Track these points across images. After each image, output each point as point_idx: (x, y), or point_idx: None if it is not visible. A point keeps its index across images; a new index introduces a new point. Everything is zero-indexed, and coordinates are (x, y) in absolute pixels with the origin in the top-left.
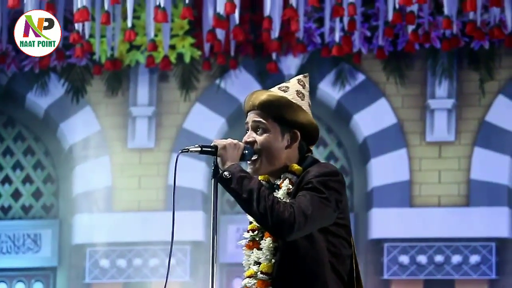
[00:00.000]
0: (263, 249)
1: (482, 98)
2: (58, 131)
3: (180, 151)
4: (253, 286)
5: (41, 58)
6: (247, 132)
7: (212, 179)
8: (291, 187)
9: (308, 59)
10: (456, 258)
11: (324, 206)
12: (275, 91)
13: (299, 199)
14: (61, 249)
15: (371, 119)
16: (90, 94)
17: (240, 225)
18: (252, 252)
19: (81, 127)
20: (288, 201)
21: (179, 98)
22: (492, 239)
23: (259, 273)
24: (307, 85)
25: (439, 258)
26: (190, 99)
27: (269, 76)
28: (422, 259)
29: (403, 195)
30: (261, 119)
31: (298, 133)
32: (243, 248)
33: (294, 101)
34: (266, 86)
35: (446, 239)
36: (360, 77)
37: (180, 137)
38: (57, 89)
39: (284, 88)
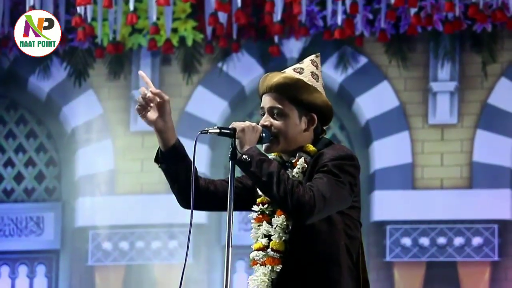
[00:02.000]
0: (275, 226)
1: (484, 80)
2: (60, 114)
3: (199, 132)
4: (262, 260)
5: None
6: (262, 116)
7: (229, 161)
8: (306, 166)
9: (310, 42)
10: (458, 240)
11: (341, 190)
12: (290, 72)
13: (317, 182)
14: (63, 232)
15: (374, 102)
16: (93, 77)
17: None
18: (261, 225)
19: (84, 110)
20: (302, 180)
21: (181, 82)
22: (494, 221)
23: (269, 250)
24: (319, 66)
25: (441, 240)
26: (193, 82)
27: (271, 59)
28: (424, 241)
29: (405, 177)
30: (277, 103)
31: (315, 117)
32: (252, 221)
33: (310, 83)
34: (268, 69)
35: (449, 221)
36: (363, 60)
37: (182, 120)
38: (59, 72)
39: (299, 69)
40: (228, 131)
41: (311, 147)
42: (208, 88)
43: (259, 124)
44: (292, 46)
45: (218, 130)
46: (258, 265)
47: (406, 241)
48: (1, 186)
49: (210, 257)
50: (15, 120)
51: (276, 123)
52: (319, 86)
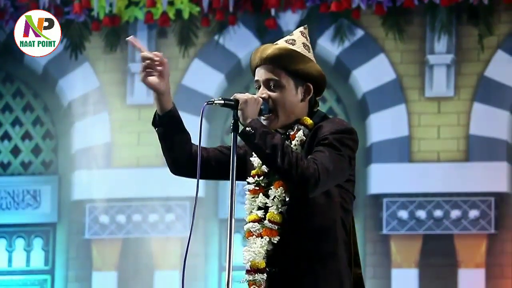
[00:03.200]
0: (272, 198)
1: (481, 53)
2: (57, 87)
3: (206, 102)
4: (258, 232)
5: None
6: (258, 89)
7: (231, 133)
8: (304, 138)
9: (307, 15)
10: (455, 213)
11: (342, 163)
12: (283, 44)
13: (319, 155)
14: (60, 205)
15: (370, 75)
16: (89, 50)
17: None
18: (257, 197)
19: (80, 83)
20: (301, 152)
21: (178, 54)
22: (491, 193)
23: (266, 221)
24: (308, 37)
25: (438, 213)
26: (189, 55)
27: (268, 32)
28: (421, 214)
29: (402, 150)
30: (273, 75)
31: (311, 86)
32: (247, 192)
33: (304, 54)
34: (265, 42)
35: (445, 194)
36: (359, 33)
37: (179, 93)
38: None
39: (291, 41)
40: (231, 103)
41: (308, 120)
42: (205, 61)
43: (256, 96)
44: (289, 19)
45: (222, 101)
46: (254, 236)
47: (403, 214)
48: None
49: (207, 230)
50: (11, 93)
51: (274, 94)
52: (311, 56)
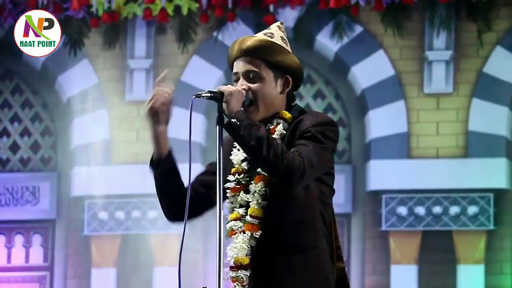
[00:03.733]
0: (253, 193)
1: (480, 49)
2: (56, 84)
3: (194, 96)
4: (240, 229)
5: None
6: (236, 82)
7: (217, 126)
8: (284, 132)
9: (305, 11)
10: (454, 209)
11: (325, 156)
12: (262, 37)
13: (303, 148)
14: (59, 201)
15: (369, 71)
16: (88, 47)
17: None
18: (238, 195)
19: (79, 80)
20: (287, 148)
21: (177, 51)
22: (490, 190)
23: (248, 216)
24: (285, 32)
25: (437, 209)
26: (188, 51)
27: (266, 28)
28: (420, 210)
29: (401, 146)
30: (253, 66)
31: (290, 79)
32: (228, 191)
33: (282, 46)
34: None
35: (444, 190)
36: (358, 29)
37: (178, 89)
38: None
39: (269, 34)
40: (217, 95)
41: (287, 114)
42: (204, 57)
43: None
44: (288, 15)
45: (209, 94)
46: (237, 234)
47: (402, 210)
48: None
49: (206, 226)
50: (10, 90)
51: (254, 86)
52: (289, 49)
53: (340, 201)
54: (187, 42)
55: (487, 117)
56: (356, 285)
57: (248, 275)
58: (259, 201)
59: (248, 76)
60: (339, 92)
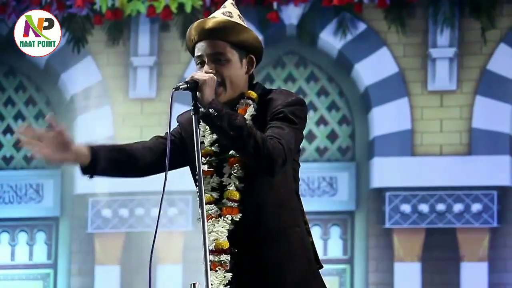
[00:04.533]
0: (228, 175)
1: (483, 46)
2: (59, 81)
3: (173, 89)
4: (216, 213)
5: (42, 8)
6: (200, 65)
7: (192, 116)
8: (255, 113)
9: (309, 8)
10: (457, 207)
11: (299, 137)
12: (222, 17)
13: (280, 132)
14: (63, 199)
15: (373, 68)
16: (91, 44)
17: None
18: (210, 178)
19: (82, 77)
20: (260, 129)
21: (180, 48)
22: (493, 187)
23: (225, 200)
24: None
25: (440, 207)
26: None
27: (270, 25)
28: (423, 208)
29: (404, 144)
30: (218, 49)
31: (254, 58)
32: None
33: (243, 24)
34: (266, 35)
35: (448, 187)
36: (362, 26)
37: None
38: None
39: (228, 13)
40: (192, 84)
41: (253, 94)
42: None
43: (203, 72)
44: (291, 12)
45: (185, 85)
46: (214, 218)
47: (406, 208)
48: (0, 153)
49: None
50: (14, 87)
51: (221, 68)
52: (250, 28)
53: (343, 198)
54: None
55: (490, 115)
56: (359, 282)
57: (229, 259)
58: (236, 183)
59: (214, 58)
60: (343, 89)
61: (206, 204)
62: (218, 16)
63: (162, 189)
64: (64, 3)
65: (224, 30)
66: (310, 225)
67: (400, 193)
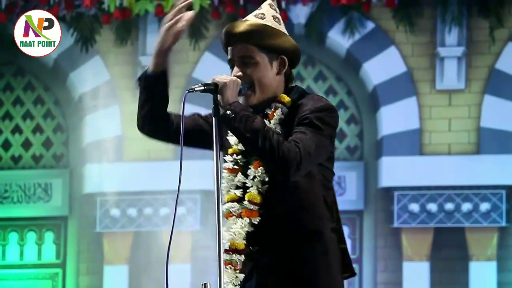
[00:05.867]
0: (252, 178)
1: (492, 45)
2: (67, 81)
3: (187, 90)
4: (237, 212)
5: (50, 7)
6: (232, 68)
7: (212, 118)
8: (283, 117)
9: (317, 8)
10: (466, 206)
11: (323, 143)
12: (253, 19)
13: (301, 137)
14: (71, 198)
15: (381, 68)
16: (100, 43)
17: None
18: (235, 176)
19: (91, 76)
20: (281, 132)
21: (188, 47)
22: (502, 186)
23: (246, 202)
24: (277, 10)
25: (449, 206)
26: (199, 48)
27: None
28: (432, 207)
29: (413, 143)
30: (247, 52)
31: (286, 59)
32: (224, 170)
33: (274, 27)
34: None
35: (456, 187)
36: (370, 26)
37: (189, 86)
38: (66, 38)
39: (260, 15)
40: (211, 87)
41: (286, 98)
42: (215, 54)
43: (232, 75)
44: (299, 12)
45: (202, 87)
46: (234, 217)
47: (414, 207)
48: (9, 153)
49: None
50: (22, 87)
51: (249, 70)
52: (282, 29)
53: (352, 198)
54: (199, 38)
55: (499, 114)
56: (368, 282)
57: (242, 259)
58: (258, 186)
59: (243, 62)
60: (351, 88)
61: (228, 202)
62: (250, 19)
63: (177, 187)
64: (72, 2)
65: (251, 34)
66: None
67: (408, 193)
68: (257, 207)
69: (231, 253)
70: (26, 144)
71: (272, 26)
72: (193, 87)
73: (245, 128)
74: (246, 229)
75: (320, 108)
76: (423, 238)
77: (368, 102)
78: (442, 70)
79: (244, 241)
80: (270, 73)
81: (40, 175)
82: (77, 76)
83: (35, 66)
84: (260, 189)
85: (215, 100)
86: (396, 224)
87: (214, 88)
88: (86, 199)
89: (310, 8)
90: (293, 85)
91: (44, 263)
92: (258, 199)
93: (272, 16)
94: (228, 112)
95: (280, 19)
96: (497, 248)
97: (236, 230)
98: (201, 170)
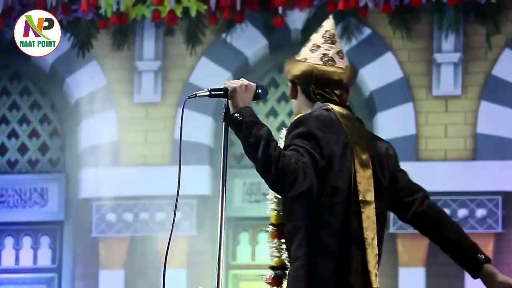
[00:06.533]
0: (272, 198)
1: (488, 51)
2: (64, 85)
3: (188, 96)
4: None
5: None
6: None
7: (222, 122)
8: (281, 139)
9: (314, 13)
10: (462, 212)
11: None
12: (304, 51)
13: (298, 156)
14: (67, 203)
15: (378, 73)
16: (96, 48)
17: (246, 179)
18: (274, 198)
19: (87, 81)
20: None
21: (185, 52)
22: (498, 192)
23: (270, 225)
24: (326, 36)
25: None
26: (196, 53)
27: (275, 30)
28: None
29: (409, 149)
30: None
31: (294, 85)
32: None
33: (300, 58)
34: (272, 40)
35: (452, 193)
36: (367, 31)
37: (186, 91)
38: (63, 43)
39: (304, 45)
40: (220, 92)
41: (297, 116)
42: (212, 59)
43: None
44: (296, 17)
45: (208, 93)
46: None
47: None
48: (5, 157)
49: (214, 228)
50: (19, 91)
51: None
52: (312, 56)
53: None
54: (196, 43)
55: (495, 120)
56: None
57: (273, 275)
58: (274, 206)
59: None
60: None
61: (270, 224)
62: (303, 49)
63: (176, 192)
64: (69, 7)
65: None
66: None
67: None
68: (274, 229)
69: (272, 269)
70: (22, 149)
71: (297, 57)
72: (195, 93)
73: (250, 133)
74: (276, 250)
75: (292, 131)
76: (419, 244)
77: (364, 108)
78: (439, 76)
79: (275, 260)
80: (292, 99)
81: (36, 179)
82: (73, 80)
83: (32, 71)
84: (276, 209)
85: (226, 105)
86: (392, 230)
87: (224, 93)
88: (82, 203)
89: (307, 13)
90: (318, 103)
91: (39, 267)
92: (274, 219)
93: (312, 44)
94: (236, 115)
95: (320, 46)
96: (493, 254)
97: (271, 249)
98: (198, 175)
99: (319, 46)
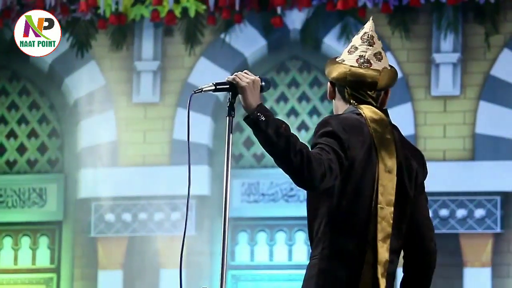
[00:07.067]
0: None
1: (487, 52)
2: (63, 86)
3: (193, 91)
4: None
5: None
6: None
7: (227, 117)
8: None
9: (313, 13)
10: (461, 212)
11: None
12: (344, 52)
13: (322, 153)
14: (66, 203)
15: None
16: (95, 48)
17: (245, 180)
18: None
19: (86, 81)
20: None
21: (184, 53)
22: (497, 193)
23: None
24: (366, 34)
25: (444, 212)
26: (195, 53)
27: (274, 30)
28: None
29: None
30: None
31: (331, 86)
32: None
33: (338, 59)
34: (271, 41)
35: (451, 193)
36: None
37: (185, 91)
38: (62, 43)
39: (348, 44)
40: (226, 86)
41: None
42: (211, 59)
43: None
44: (295, 17)
45: (213, 87)
46: None
47: None
48: (4, 158)
49: (213, 229)
50: (17, 91)
51: None
52: (349, 58)
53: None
54: (195, 44)
55: (494, 120)
56: None
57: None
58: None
59: None
60: None
61: None
62: (343, 51)
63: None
64: (68, 7)
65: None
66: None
67: None
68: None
69: None
70: (21, 149)
71: (336, 58)
72: (201, 87)
73: (275, 133)
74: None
75: (318, 125)
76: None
77: None
78: (438, 76)
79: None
80: (332, 100)
81: (35, 180)
82: (72, 81)
83: (30, 71)
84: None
85: (230, 99)
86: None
87: (230, 87)
88: (81, 204)
89: (306, 13)
90: (351, 106)
91: (38, 268)
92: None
93: (351, 45)
94: (259, 114)
95: (358, 48)
96: (491, 254)
97: None
98: (197, 175)
99: (356, 48)
